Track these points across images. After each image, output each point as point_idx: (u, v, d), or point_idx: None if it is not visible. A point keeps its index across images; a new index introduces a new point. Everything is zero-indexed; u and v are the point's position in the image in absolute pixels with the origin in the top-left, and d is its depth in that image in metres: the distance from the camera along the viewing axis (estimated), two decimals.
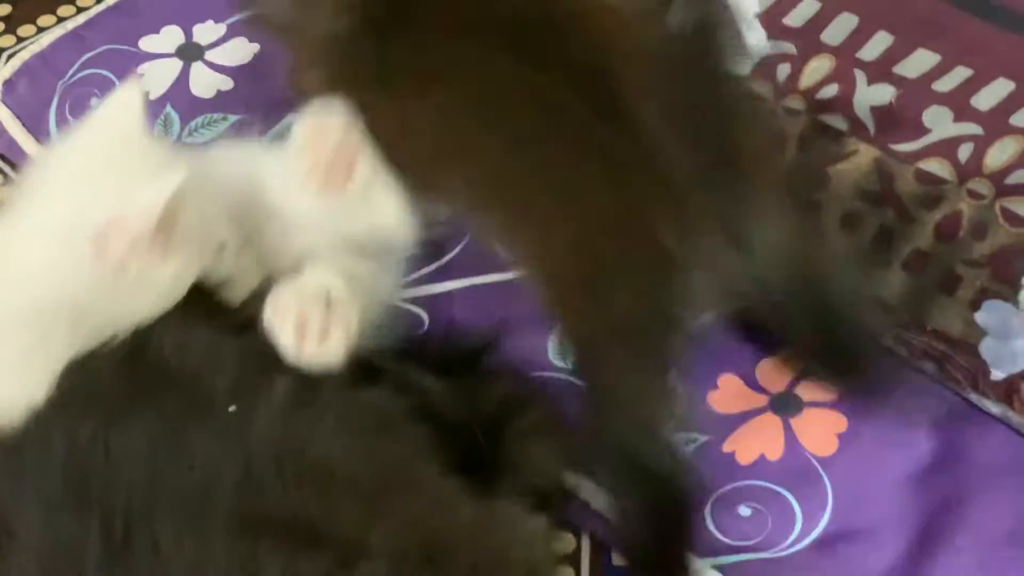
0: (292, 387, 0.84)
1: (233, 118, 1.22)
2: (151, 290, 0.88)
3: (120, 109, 0.93)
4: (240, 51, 1.27)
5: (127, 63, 1.28)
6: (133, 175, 0.88)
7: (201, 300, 0.91)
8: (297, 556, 0.75)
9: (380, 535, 0.78)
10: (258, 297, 0.91)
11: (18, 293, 0.88)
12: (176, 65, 1.28)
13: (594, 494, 1.00)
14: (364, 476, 0.81)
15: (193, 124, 1.23)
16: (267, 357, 0.86)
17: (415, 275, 1.10)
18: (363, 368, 0.89)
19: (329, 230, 0.97)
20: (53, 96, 1.26)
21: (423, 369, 0.94)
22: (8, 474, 0.82)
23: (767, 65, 1.03)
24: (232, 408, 0.82)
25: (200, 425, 0.81)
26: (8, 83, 1.29)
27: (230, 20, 1.30)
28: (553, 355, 1.04)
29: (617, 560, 0.99)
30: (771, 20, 1.03)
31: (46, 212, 0.89)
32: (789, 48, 1.03)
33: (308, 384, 0.85)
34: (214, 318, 0.90)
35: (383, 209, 1.05)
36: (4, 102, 1.28)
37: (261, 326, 0.89)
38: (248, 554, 0.75)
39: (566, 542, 1.01)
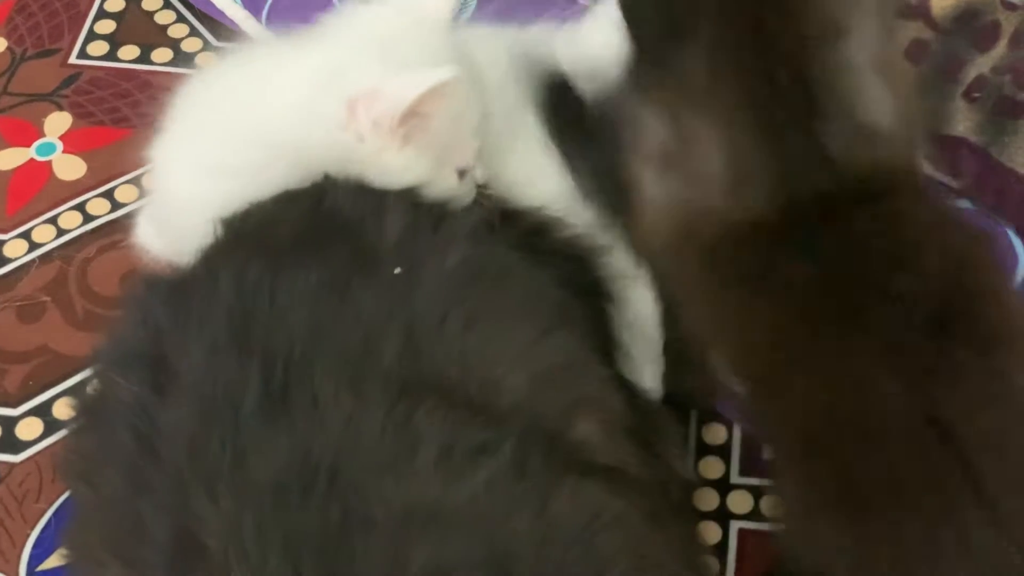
0: (465, 258, 0.82)
1: None
2: (376, 171, 0.87)
3: None
4: None
5: None
6: (411, 57, 0.87)
7: None
8: (455, 425, 0.74)
9: (543, 411, 0.76)
10: None
11: (261, 118, 0.89)
12: None
13: None
14: (533, 353, 0.80)
15: None
16: (438, 219, 0.84)
17: None
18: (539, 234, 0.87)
19: None
20: None
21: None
22: (174, 312, 0.81)
23: None
24: (397, 270, 0.80)
25: (366, 281, 0.80)
26: None
27: None
28: None
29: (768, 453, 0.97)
30: None
31: (323, 59, 0.88)
32: None
33: (482, 258, 0.83)
34: None
35: None
36: None
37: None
38: (406, 419, 0.74)
39: (716, 433, 1.00)
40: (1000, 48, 0.98)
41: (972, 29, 0.97)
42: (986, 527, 0.74)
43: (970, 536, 0.74)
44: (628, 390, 0.89)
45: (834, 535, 0.77)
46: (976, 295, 0.77)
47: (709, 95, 0.76)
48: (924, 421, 0.74)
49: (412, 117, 0.84)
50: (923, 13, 0.98)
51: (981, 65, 0.98)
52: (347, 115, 0.84)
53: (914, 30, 1.00)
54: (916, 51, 1.00)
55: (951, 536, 0.74)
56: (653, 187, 0.81)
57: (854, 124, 0.76)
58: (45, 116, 1.21)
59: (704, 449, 0.99)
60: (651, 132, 0.79)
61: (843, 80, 0.76)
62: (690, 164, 0.78)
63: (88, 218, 1.13)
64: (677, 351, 0.95)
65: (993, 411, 0.75)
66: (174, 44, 1.26)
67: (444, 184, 0.89)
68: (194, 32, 1.27)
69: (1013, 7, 0.98)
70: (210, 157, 0.91)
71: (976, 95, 0.98)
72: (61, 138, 1.19)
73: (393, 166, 0.86)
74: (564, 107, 0.94)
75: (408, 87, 0.82)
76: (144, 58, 1.25)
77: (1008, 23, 0.98)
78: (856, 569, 0.77)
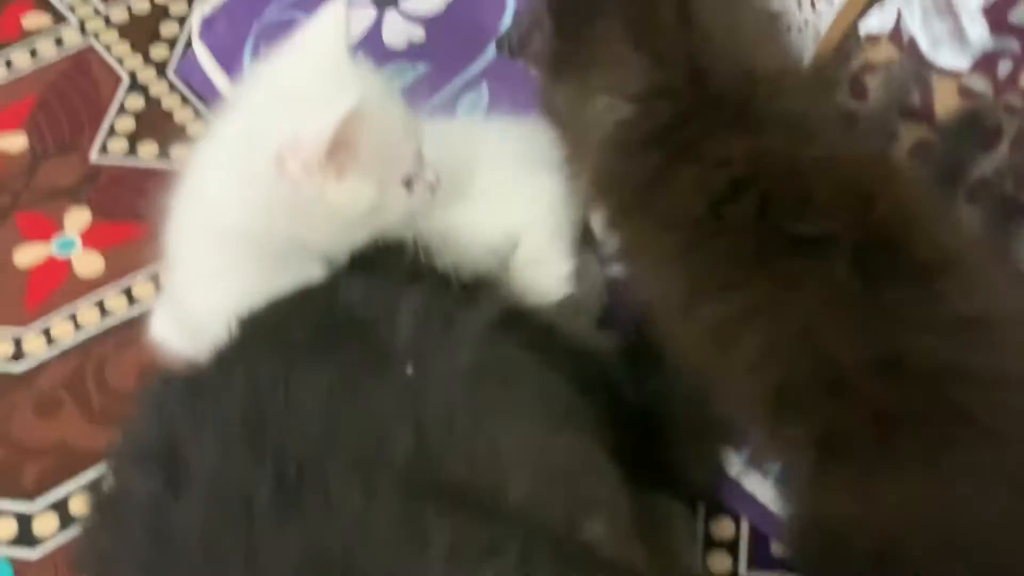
0: (475, 359, 0.84)
1: (422, 68, 1.22)
2: (329, 212, 0.88)
3: (320, 31, 0.92)
4: (434, 1, 1.26)
5: (323, 8, 1.28)
6: (319, 94, 0.88)
7: (381, 250, 0.92)
8: (463, 524, 0.75)
9: (550, 511, 0.77)
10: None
11: (206, 216, 0.91)
12: (371, 13, 1.28)
13: (758, 485, 0.99)
14: (541, 454, 0.81)
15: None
16: (448, 316, 0.86)
17: None
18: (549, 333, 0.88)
19: None
20: (248, 36, 1.27)
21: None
22: (189, 409, 0.83)
23: (988, 60, 0.99)
24: (409, 371, 0.82)
25: (378, 381, 0.81)
26: (207, 21, 1.30)
27: None
28: None
29: (776, 549, 0.97)
30: (996, 15, 0.99)
31: (238, 129, 0.90)
32: (1012, 46, 0.99)
33: (492, 359, 0.85)
34: (392, 268, 0.90)
35: None
36: (202, 39, 1.29)
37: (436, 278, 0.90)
38: (416, 517, 0.75)
39: (724, 528, 1.00)
40: (1002, 150, 0.99)
41: (975, 132, 0.99)
42: (980, 445, 0.78)
43: (970, 459, 0.78)
44: (637, 485, 0.90)
45: (847, 502, 0.80)
46: (895, 226, 0.80)
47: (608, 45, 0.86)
48: (881, 364, 0.77)
49: (338, 149, 0.85)
50: (927, 116, 1.00)
51: (984, 166, 1.00)
52: (277, 171, 0.86)
53: (919, 132, 1.02)
54: (920, 153, 1.02)
55: (953, 465, 0.77)
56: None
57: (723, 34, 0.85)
58: (65, 212, 1.23)
59: (712, 543, 0.99)
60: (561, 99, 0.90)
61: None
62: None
63: (106, 314, 1.15)
64: (686, 440, 0.96)
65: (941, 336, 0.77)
66: (193, 142, 1.28)
67: (396, 203, 0.91)
68: None
69: (1015, 111, 1.00)
70: (202, 264, 0.93)
71: (978, 196, 1.00)
72: (81, 235, 1.21)
73: (341, 200, 0.87)
74: None
75: (322, 123, 0.84)
76: (163, 155, 1.27)
77: (1010, 126, 0.99)
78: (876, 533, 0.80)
